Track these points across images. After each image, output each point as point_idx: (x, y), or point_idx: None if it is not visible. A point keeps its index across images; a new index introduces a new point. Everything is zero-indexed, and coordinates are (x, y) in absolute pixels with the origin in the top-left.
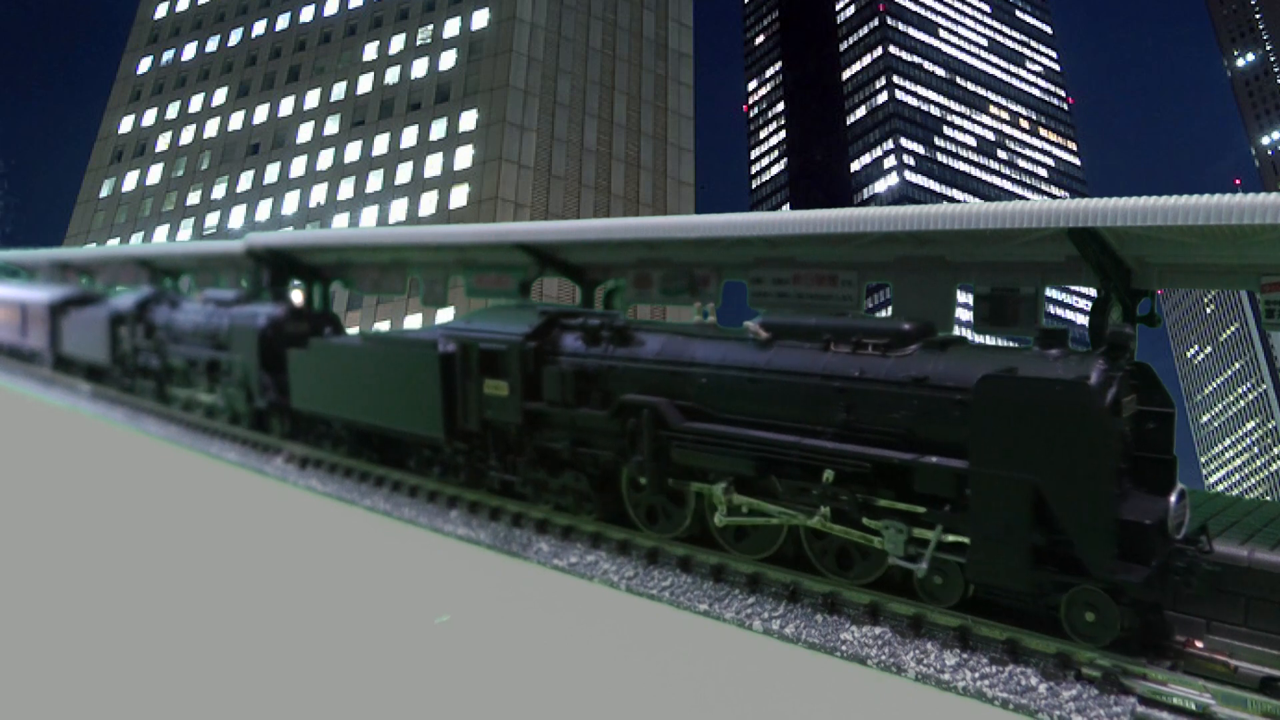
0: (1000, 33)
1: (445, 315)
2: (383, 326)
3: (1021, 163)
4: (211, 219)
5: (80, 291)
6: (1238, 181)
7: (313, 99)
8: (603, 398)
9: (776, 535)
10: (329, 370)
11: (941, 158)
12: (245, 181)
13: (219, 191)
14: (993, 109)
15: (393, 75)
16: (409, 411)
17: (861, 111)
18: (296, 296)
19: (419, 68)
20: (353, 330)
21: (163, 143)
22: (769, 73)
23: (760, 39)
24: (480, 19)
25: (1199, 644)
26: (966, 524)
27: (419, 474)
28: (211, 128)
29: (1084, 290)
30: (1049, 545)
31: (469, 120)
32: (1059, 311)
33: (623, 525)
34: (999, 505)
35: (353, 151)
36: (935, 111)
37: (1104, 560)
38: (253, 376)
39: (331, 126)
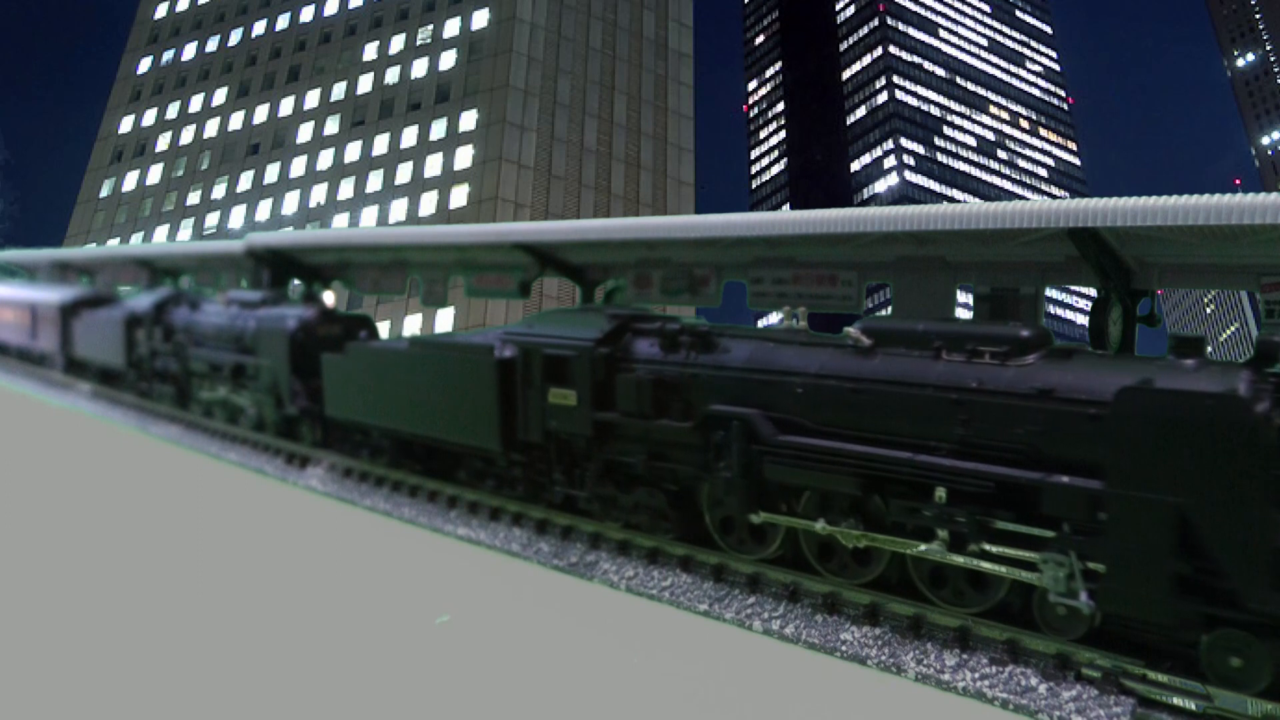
0: (1000, 33)
1: (445, 315)
2: (382, 327)
3: (1021, 163)
4: (211, 219)
5: (92, 292)
6: (1238, 181)
7: (313, 99)
8: (684, 408)
9: (878, 559)
10: (370, 376)
11: (941, 158)
12: (245, 181)
13: (219, 191)
14: (993, 109)
15: (393, 75)
16: (461, 421)
17: (861, 111)
18: (328, 298)
19: (419, 68)
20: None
21: (163, 143)
22: (769, 73)
23: (760, 39)
24: (480, 19)
25: None
26: (1101, 550)
27: (470, 487)
28: (211, 128)
29: (1084, 290)
30: (1194, 575)
31: (469, 120)
32: (1059, 311)
33: (704, 545)
34: (1139, 530)
35: (353, 151)
36: (935, 111)
37: (1262, 592)
38: (283, 382)
39: (331, 126)
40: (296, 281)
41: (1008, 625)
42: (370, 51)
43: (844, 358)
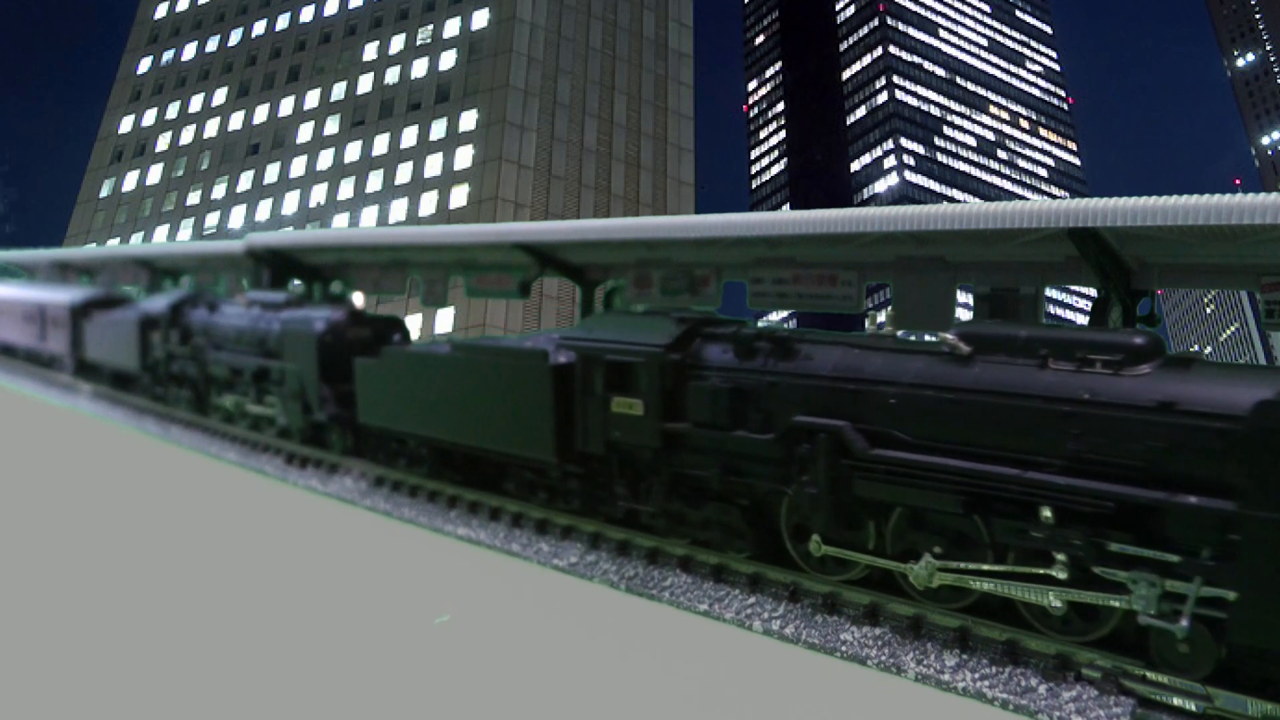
0: (1000, 33)
1: (445, 315)
2: None
3: (1021, 163)
4: (211, 219)
5: (104, 293)
6: (1238, 181)
7: (313, 99)
8: (763, 419)
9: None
10: (408, 382)
11: (941, 158)
12: (245, 181)
13: (219, 191)
14: (993, 109)
15: (393, 75)
16: (510, 430)
17: (861, 111)
18: (357, 299)
19: (419, 68)
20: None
21: (163, 143)
22: (769, 73)
23: (760, 39)
24: (480, 19)
25: None
26: (1234, 576)
27: (518, 499)
28: (211, 128)
29: (1084, 290)
30: None
31: (469, 120)
32: (1059, 311)
33: (781, 565)
34: None
35: (353, 151)
36: (935, 111)
37: None
38: (311, 387)
39: (331, 126)
40: (296, 281)
41: (1008, 626)
42: (370, 51)
43: (940, 366)
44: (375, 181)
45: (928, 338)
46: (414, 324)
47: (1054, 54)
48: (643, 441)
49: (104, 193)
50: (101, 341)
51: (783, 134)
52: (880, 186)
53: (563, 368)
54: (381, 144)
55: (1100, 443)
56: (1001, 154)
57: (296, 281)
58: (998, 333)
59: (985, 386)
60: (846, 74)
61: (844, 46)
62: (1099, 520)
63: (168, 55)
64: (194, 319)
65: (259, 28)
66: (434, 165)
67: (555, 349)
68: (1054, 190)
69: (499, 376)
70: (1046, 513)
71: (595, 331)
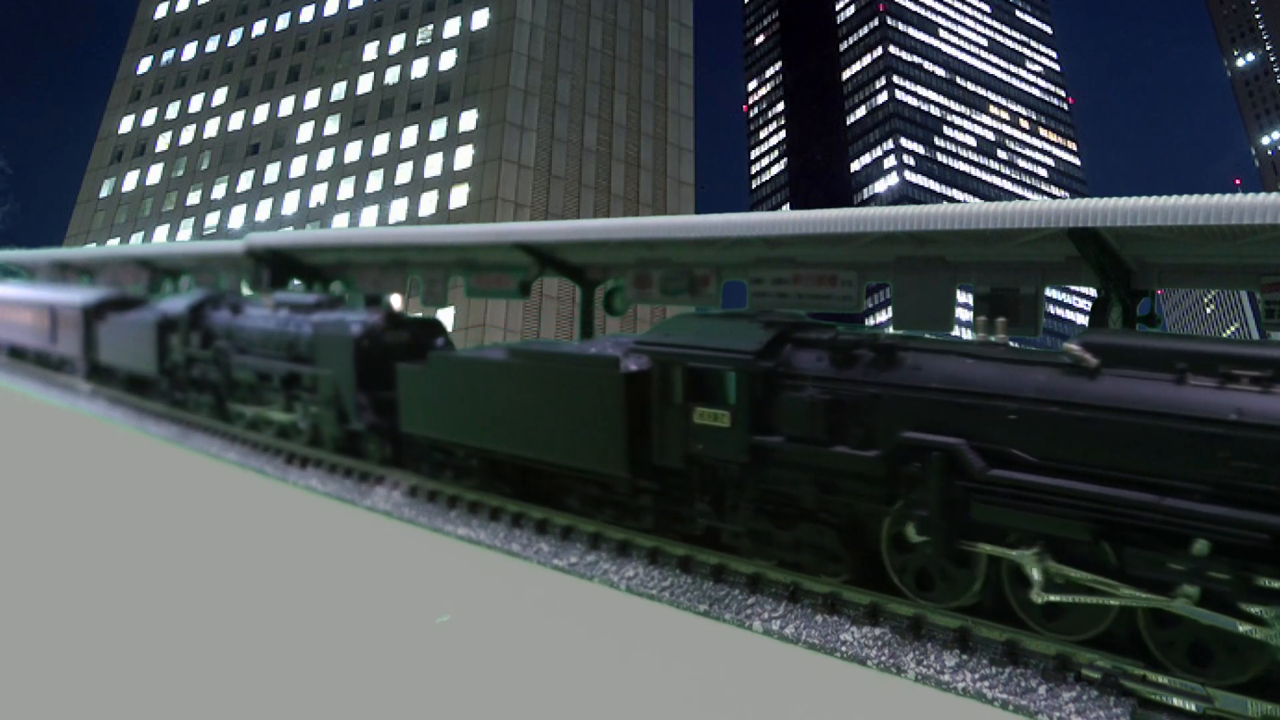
0: (1000, 33)
1: (445, 316)
2: None
3: (1021, 163)
4: (211, 219)
5: (119, 293)
6: (1238, 181)
7: (313, 99)
8: (865, 434)
9: (1102, 615)
10: (458, 389)
11: (941, 158)
12: (245, 181)
13: (219, 191)
14: (993, 109)
15: (393, 75)
16: (575, 442)
17: (861, 111)
18: (395, 300)
19: (419, 68)
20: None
21: (163, 143)
22: (769, 73)
23: (760, 39)
24: (480, 19)
25: None
26: None
27: (582, 515)
28: (211, 128)
29: (1084, 290)
30: None
31: (469, 120)
32: (1059, 311)
33: (878, 590)
34: None
35: (353, 151)
36: (935, 111)
37: None
38: (347, 394)
39: (331, 126)
40: (296, 281)
41: (1008, 626)
42: (370, 51)
43: (1064, 379)
44: (375, 181)
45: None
46: None
47: (1054, 54)
48: (729, 455)
49: (104, 193)
50: (116, 344)
51: (783, 134)
52: (880, 186)
53: (636, 375)
54: (381, 144)
55: (1253, 468)
56: (1001, 154)
57: (296, 281)
58: (1128, 344)
59: (1117, 404)
60: (846, 74)
61: (844, 46)
62: (1248, 552)
63: (168, 55)
64: (216, 321)
65: (259, 28)
66: (434, 165)
67: (625, 355)
68: (1054, 190)
69: (564, 384)
70: (1201, 546)
71: (673, 336)
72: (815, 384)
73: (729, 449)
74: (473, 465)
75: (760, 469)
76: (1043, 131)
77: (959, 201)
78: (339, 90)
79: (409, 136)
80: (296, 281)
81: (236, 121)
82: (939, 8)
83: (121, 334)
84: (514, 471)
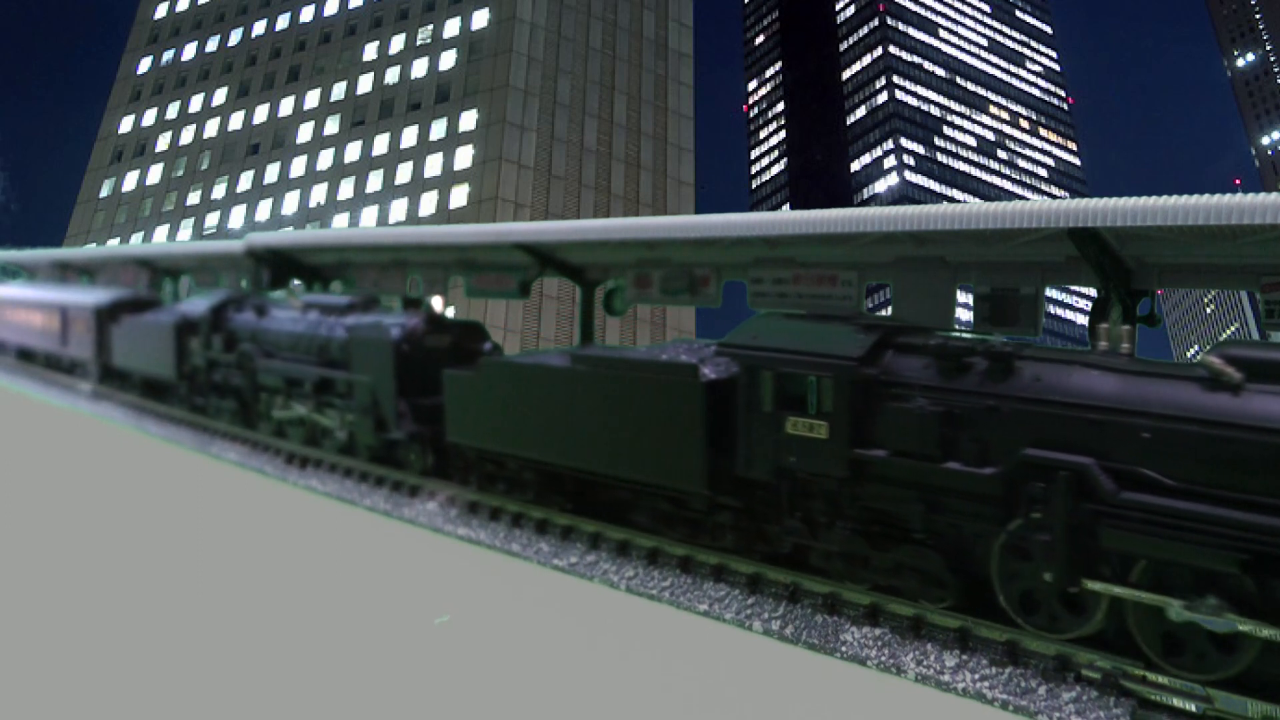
0: (1000, 33)
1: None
2: None
3: (1021, 163)
4: (211, 219)
5: (133, 294)
6: (1238, 181)
7: (313, 99)
8: (980, 450)
9: (1246, 653)
10: (513, 397)
11: (941, 158)
12: (245, 181)
13: (219, 191)
14: (993, 109)
15: (393, 75)
16: (646, 454)
17: (861, 111)
18: (436, 302)
19: (419, 68)
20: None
21: (163, 143)
22: (769, 73)
23: (760, 39)
24: (480, 19)
25: None
26: None
27: (652, 533)
28: (211, 128)
29: (1084, 290)
30: None
31: (469, 120)
32: (1059, 311)
33: (988, 617)
34: None
35: (353, 151)
36: (935, 111)
37: None
38: (386, 401)
39: (331, 126)
40: (296, 281)
41: (1008, 627)
42: (370, 51)
43: (1203, 395)
44: (375, 181)
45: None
46: None
47: (1054, 54)
48: (825, 469)
49: (104, 193)
50: (131, 347)
51: (783, 134)
52: (880, 186)
53: (718, 384)
54: (381, 144)
55: None
56: (1001, 154)
57: (296, 281)
58: (1276, 358)
59: (1266, 422)
60: (846, 74)
61: (844, 46)
62: None
63: (168, 55)
64: (239, 323)
65: (259, 28)
66: (434, 165)
67: (702, 361)
68: (1054, 190)
69: (637, 393)
70: None
71: (762, 339)
72: (926, 394)
73: (825, 462)
74: (528, 478)
75: (859, 485)
76: (1043, 131)
77: (959, 201)
78: (339, 90)
79: (409, 136)
80: (296, 281)
81: (236, 121)
82: (939, 8)
83: (137, 336)
84: (573, 485)
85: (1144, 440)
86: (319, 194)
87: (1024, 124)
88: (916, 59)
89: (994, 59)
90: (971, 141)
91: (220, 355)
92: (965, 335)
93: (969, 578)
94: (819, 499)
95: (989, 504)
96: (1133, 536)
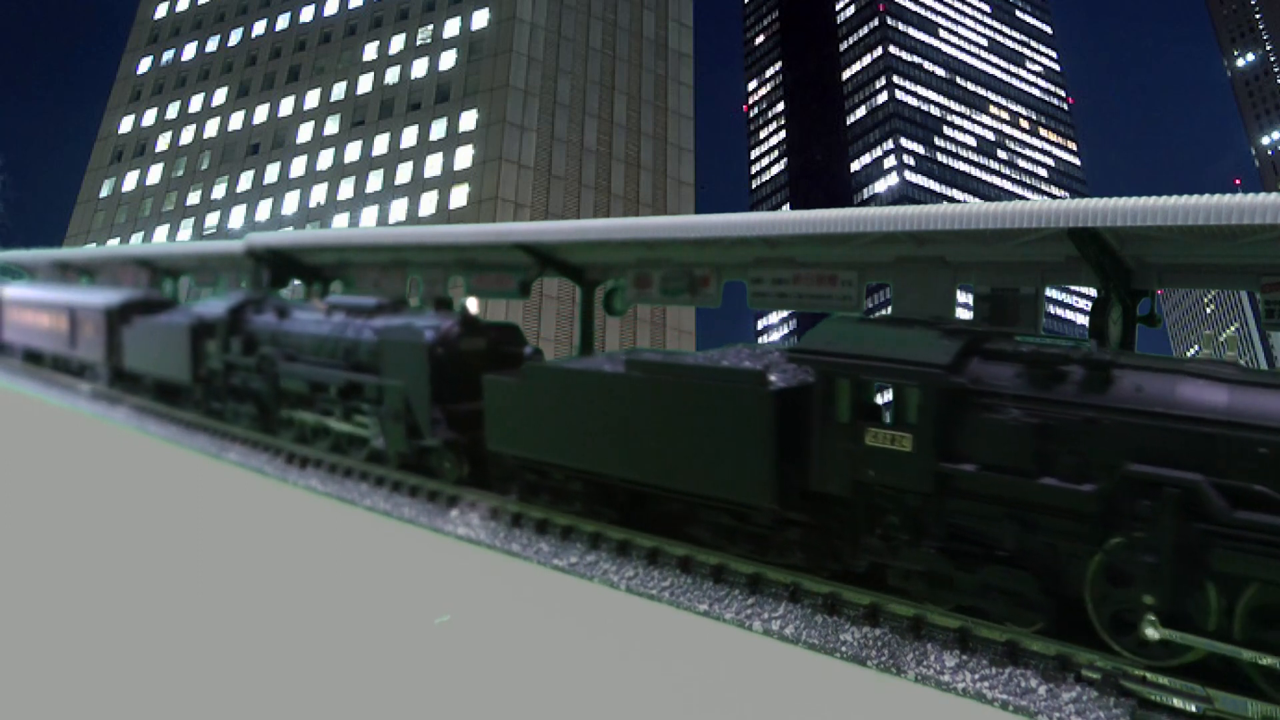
0: (1000, 33)
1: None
2: None
3: (1021, 163)
4: (211, 219)
5: (144, 294)
6: (1238, 181)
7: (313, 99)
8: (1078, 465)
9: None
10: (562, 404)
11: (941, 158)
12: (245, 181)
13: (219, 191)
14: (993, 109)
15: (393, 75)
16: (708, 465)
17: (861, 111)
18: (471, 304)
19: (419, 68)
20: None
21: (163, 143)
22: (769, 73)
23: (760, 39)
24: (480, 19)
25: None
26: None
27: (713, 549)
28: (211, 128)
29: (1084, 290)
30: None
31: (469, 120)
32: (1059, 311)
33: (1078, 642)
34: None
35: (353, 151)
36: (935, 111)
37: None
38: (420, 407)
39: (331, 126)
40: (296, 281)
41: (1007, 627)
42: (370, 51)
43: None
44: (375, 181)
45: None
46: None
47: (1054, 54)
48: (909, 484)
49: (104, 193)
50: (144, 349)
51: (783, 134)
52: (880, 186)
53: (788, 393)
54: (381, 144)
55: None
56: (1001, 154)
57: (296, 281)
58: None
59: None
60: (846, 74)
61: (844, 46)
62: None
63: (168, 55)
64: (259, 325)
65: (259, 28)
66: (434, 165)
67: (767, 368)
68: (1054, 190)
69: (699, 402)
70: None
71: (838, 344)
72: (1019, 404)
73: (909, 476)
74: (575, 489)
75: (945, 500)
76: (1043, 131)
77: (959, 201)
78: (339, 90)
79: (409, 136)
80: (296, 281)
81: (236, 121)
82: (939, 8)
83: (150, 338)
84: (624, 497)
85: (1261, 456)
86: (319, 194)
87: (1024, 124)
88: (916, 59)
89: (994, 59)
90: (971, 141)
91: (239, 358)
92: (1056, 340)
93: (1060, 599)
94: (899, 515)
95: (1086, 522)
96: (1247, 558)
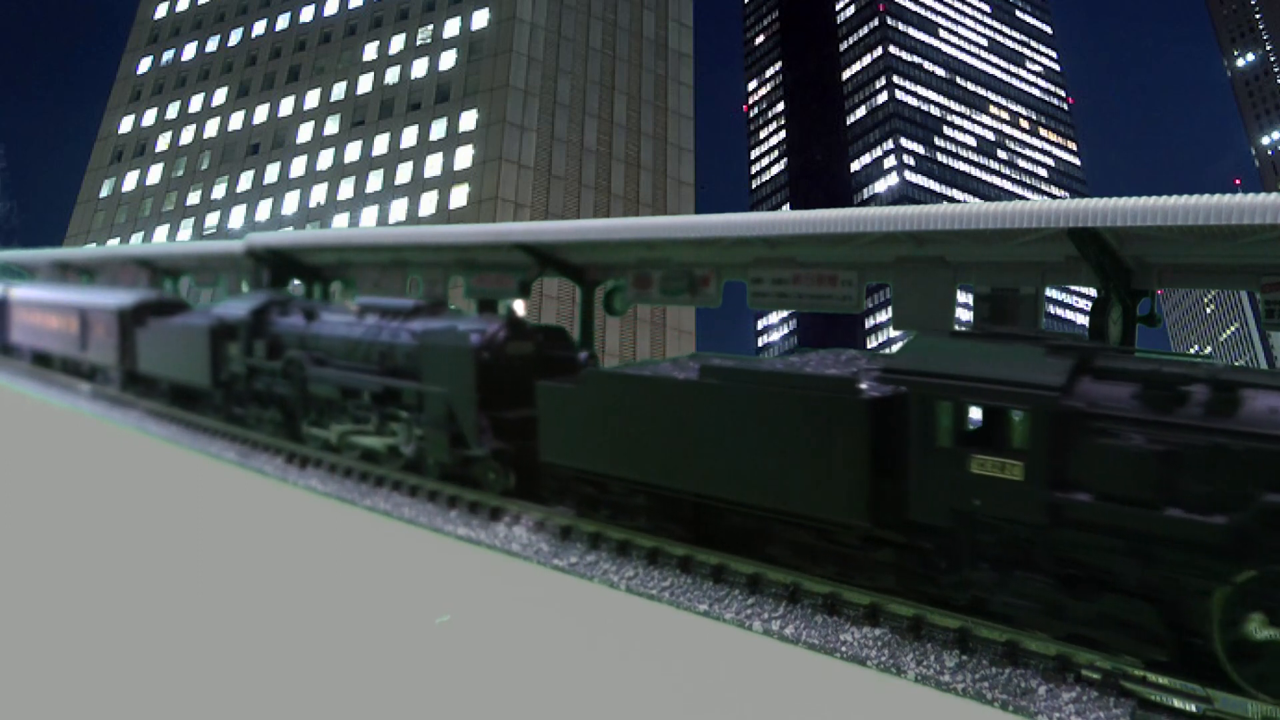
0: (1000, 33)
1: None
2: None
3: (1021, 163)
4: (211, 219)
5: (158, 295)
6: (1238, 181)
7: (313, 99)
8: (1206, 495)
9: None
10: (625, 412)
11: (941, 158)
12: (245, 181)
13: (219, 191)
14: (993, 109)
15: (393, 75)
16: (789, 478)
17: (861, 111)
18: (519, 306)
19: (419, 68)
20: None
21: (163, 143)
22: (769, 73)
23: (760, 39)
24: (480, 19)
25: None
26: None
27: (791, 569)
28: (211, 128)
29: (1084, 290)
30: None
31: (469, 120)
32: (1059, 311)
33: (1207, 679)
34: None
35: (353, 151)
36: (935, 111)
37: None
38: (466, 415)
39: (331, 126)
40: (296, 281)
41: (1007, 627)
42: (370, 51)
43: None
44: (375, 181)
45: None
46: None
47: (1054, 54)
48: (1019, 515)
49: (104, 193)
50: (160, 352)
51: (783, 134)
52: (880, 186)
53: (883, 401)
54: (381, 144)
55: None
56: (1001, 154)
57: (296, 281)
58: None
59: None
60: (846, 74)
61: (844, 46)
62: None
63: (168, 55)
64: (284, 327)
65: (259, 28)
66: (434, 165)
67: (856, 375)
68: (1054, 190)
69: (781, 410)
70: None
71: (934, 363)
72: (1138, 429)
73: (1020, 507)
74: (638, 503)
75: (1057, 532)
76: (1043, 131)
77: (959, 201)
78: (339, 90)
79: (409, 136)
80: (296, 281)
81: (236, 121)
82: (939, 8)
83: (166, 340)
84: (693, 511)
85: None
86: (319, 194)
87: (1024, 124)
88: (916, 59)
89: (994, 59)
90: (971, 141)
91: (263, 362)
92: (1173, 358)
93: (1180, 630)
94: (1005, 546)
95: (1214, 555)
96: None
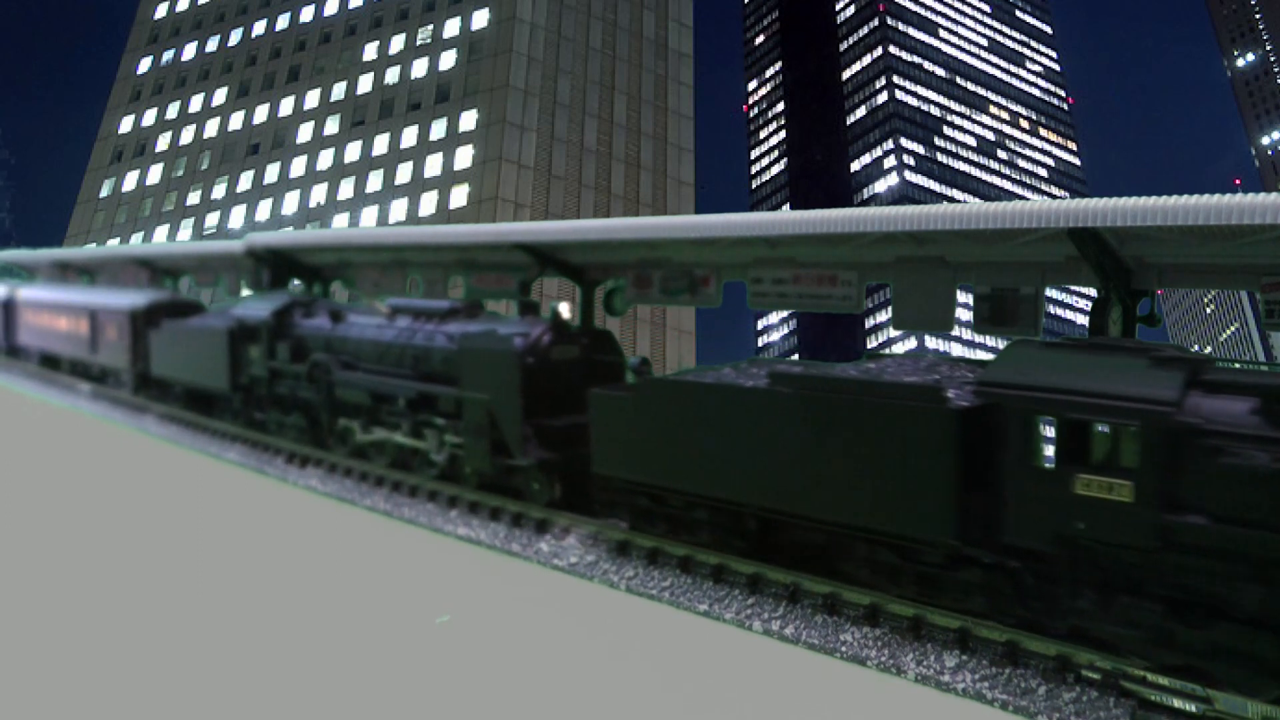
0: (1000, 33)
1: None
2: None
3: (1021, 163)
4: (211, 219)
5: (171, 296)
6: (1238, 181)
7: (313, 99)
8: None
9: None
10: (687, 422)
11: (941, 158)
12: (245, 181)
13: (219, 191)
14: (993, 109)
15: (393, 75)
16: (866, 491)
17: (861, 111)
18: (564, 309)
19: (419, 68)
20: None
21: (163, 143)
22: (769, 73)
23: (760, 39)
24: (480, 19)
25: None
26: None
27: (872, 589)
28: (211, 128)
29: (1084, 290)
30: None
31: (469, 120)
32: (1059, 311)
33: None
34: None
35: (353, 151)
36: (935, 111)
37: None
38: (509, 423)
39: (331, 126)
40: (296, 281)
41: (1007, 627)
42: (370, 51)
43: None
44: (375, 181)
45: None
46: None
47: (1054, 54)
48: (1128, 539)
49: (104, 193)
50: (175, 354)
51: (783, 134)
52: (880, 186)
53: (972, 412)
54: (381, 144)
55: None
56: (1001, 154)
57: (296, 281)
58: None
59: None
60: (846, 74)
61: (844, 46)
62: None
63: (168, 55)
64: (309, 329)
65: (259, 28)
66: (434, 165)
67: (947, 385)
68: (1054, 190)
69: (861, 420)
70: None
71: (1030, 375)
72: (1259, 447)
73: (1129, 531)
74: (700, 517)
75: (1169, 556)
76: (1043, 131)
77: (959, 201)
78: (339, 90)
79: (409, 136)
80: (296, 281)
81: (236, 121)
82: (939, 8)
83: (182, 343)
84: (759, 526)
85: None
86: (319, 194)
87: (1024, 124)
88: (916, 59)
89: (994, 59)
90: (971, 141)
91: (286, 365)
92: (1275, 369)
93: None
94: (1111, 572)
95: None
96: None
